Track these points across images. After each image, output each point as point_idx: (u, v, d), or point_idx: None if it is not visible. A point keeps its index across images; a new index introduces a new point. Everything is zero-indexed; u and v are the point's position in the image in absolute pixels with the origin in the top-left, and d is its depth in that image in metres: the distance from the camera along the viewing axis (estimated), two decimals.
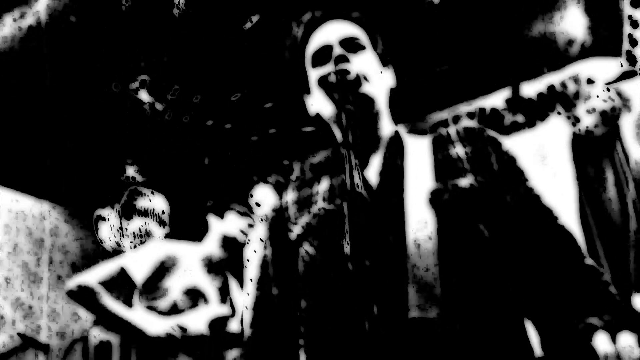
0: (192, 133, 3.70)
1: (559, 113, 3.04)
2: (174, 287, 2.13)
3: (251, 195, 4.06)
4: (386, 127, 1.17)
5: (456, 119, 3.46)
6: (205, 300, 2.18)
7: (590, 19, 2.95)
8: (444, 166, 1.05)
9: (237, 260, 3.82)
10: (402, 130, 1.21)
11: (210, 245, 2.29)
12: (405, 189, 1.03)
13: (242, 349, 1.15)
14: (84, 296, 2.03)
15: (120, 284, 2.11)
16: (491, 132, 1.12)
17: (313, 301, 1.06)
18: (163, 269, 2.14)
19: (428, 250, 0.94)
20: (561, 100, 3.04)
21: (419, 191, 1.02)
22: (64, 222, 4.55)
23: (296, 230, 1.12)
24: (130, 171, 3.80)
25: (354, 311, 0.91)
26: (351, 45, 1.14)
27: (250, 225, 2.33)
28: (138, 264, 2.12)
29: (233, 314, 2.23)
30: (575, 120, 2.91)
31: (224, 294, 2.31)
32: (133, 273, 2.10)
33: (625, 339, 0.79)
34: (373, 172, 1.09)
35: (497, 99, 3.32)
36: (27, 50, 2.72)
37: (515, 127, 3.21)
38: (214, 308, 2.16)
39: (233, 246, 2.31)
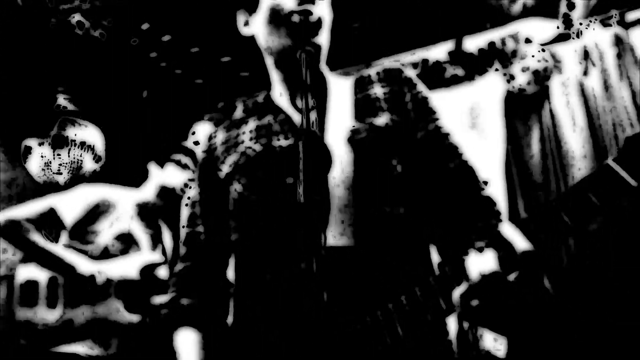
0: (130, 63, 3.53)
1: (496, 69, 3.15)
2: (106, 232, 2.12)
3: (192, 134, 3.99)
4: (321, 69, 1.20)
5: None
6: (137, 247, 2.19)
7: None
8: (363, 105, 1.11)
9: (172, 210, 3.81)
10: (327, 71, 1.24)
11: (147, 193, 2.27)
12: (326, 127, 1.08)
13: (172, 283, 1.18)
14: (11, 232, 1.97)
15: (49, 223, 2.05)
16: (409, 73, 1.18)
17: (243, 235, 1.10)
18: (96, 213, 2.10)
19: (346, 184, 1.01)
20: (499, 57, 3.15)
21: (339, 129, 1.07)
22: None
23: (225, 169, 1.15)
24: (62, 100, 3.61)
25: (291, 241, 0.97)
26: None
27: (190, 180, 2.33)
28: (70, 205, 2.07)
29: (164, 262, 2.25)
30: (510, 78, 3.03)
31: (156, 242, 2.31)
32: (63, 213, 2.04)
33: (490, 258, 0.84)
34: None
35: (440, 51, 3.38)
36: None
37: (455, 80, 3.30)
38: (145, 255, 2.17)
39: (170, 197, 2.31)
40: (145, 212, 2.27)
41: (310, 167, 0.87)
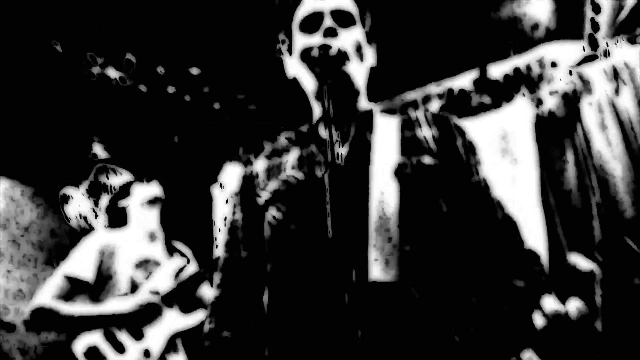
0: (162, 110, 3.65)
1: (523, 95, 3.13)
2: (124, 267, 2.15)
3: (221, 174, 4.05)
4: (363, 104, 1.23)
5: (426, 100, 3.51)
6: (157, 265, 2.22)
7: (555, 3, 3.03)
8: (410, 144, 1.12)
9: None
10: (375, 108, 1.26)
11: (137, 217, 2.41)
12: (372, 161, 1.09)
13: (210, 309, 1.19)
14: (45, 319, 1.97)
15: (74, 291, 2.08)
16: (456, 120, 1.20)
17: (278, 264, 1.11)
18: (105, 256, 2.14)
19: (389, 219, 1.00)
20: (526, 82, 3.13)
21: (385, 164, 1.08)
22: (28, 200, 4.44)
23: (264, 196, 1.16)
24: (97, 148, 3.73)
25: (322, 274, 0.97)
26: (342, 18, 1.17)
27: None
28: (79, 264, 2.11)
29: (188, 262, 2.33)
30: (539, 102, 3.00)
31: (170, 251, 2.37)
32: (79, 274, 2.08)
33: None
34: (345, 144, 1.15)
35: (464, 80, 3.38)
36: None
37: (481, 108, 3.28)
38: (168, 264, 2.22)
39: (156, 203, 2.38)
40: (148, 234, 2.32)
41: (337, 200, 0.87)
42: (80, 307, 2.03)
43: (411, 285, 0.96)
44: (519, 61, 3.20)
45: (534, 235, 2.92)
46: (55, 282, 2.07)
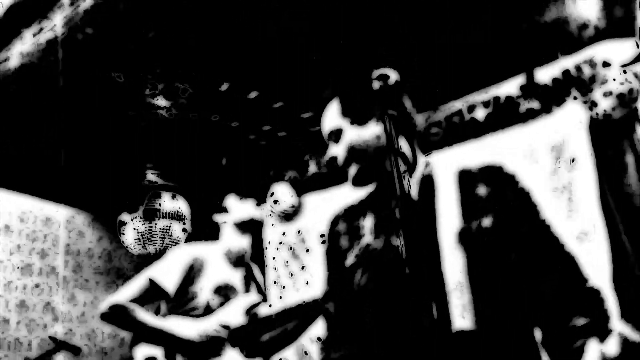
0: (209, 135, 3.75)
1: (575, 98, 3.02)
2: (205, 288, 2.16)
3: (271, 195, 4.11)
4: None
5: (471, 109, 3.45)
6: (234, 293, 2.21)
7: (603, 0, 2.92)
8: (469, 205, 1.19)
9: (255, 245, 3.88)
10: (431, 160, 1.33)
11: (229, 237, 2.30)
12: (437, 225, 1.18)
13: (326, 328, 1.32)
14: (118, 316, 2.03)
15: (152, 296, 2.12)
16: (509, 169, 1.27)
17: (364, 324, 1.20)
18: (191, 273, 2.16)
19: (460, 280, 1.11)
20: (577, 84, 3.02)
21: (448, 228, 1.16)
22: (88, 227, 4.65)
23: (349, 260, 1.27)
24: (151, 175, 3.87)
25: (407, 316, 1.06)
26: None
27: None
28: (166, 273, 2.14)
29: (263, 299, 2.26)
30: (592, 105, 2.88)
31: (249, 282, 2.33)
32: (163, 282, 2.10)
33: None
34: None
35: (511, 87, 3.30)
36: (47, 63, 2.78)
37: (531, 114, 3.19)
38: (244, 298, 2.18)
39: (249, 229, 2.31)
40: (231, 256, 2.29)
41: (410, 232, 0.89)
42: (154, 318, 2.05)
43: (483, 333, 1.04)
44: (568, 63, 3.09)
45: (597, 243, 2.79)
46: (139, 282, 2.10)
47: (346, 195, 1.39)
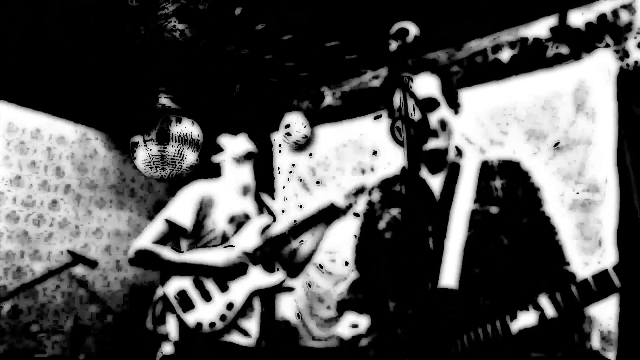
0: (222, 61, 3.66)
1: (607, 45, 2.87)
2: (218, 219, 2.24)
3: (285, 126, 4.08)
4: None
5: (496, 49, 3.30)
6: (248, 219, 2.31)
7: None
8: (484, 193, 1.35)
9: (263, 174, 3.94)
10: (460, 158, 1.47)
11: (230, 172, 2.39)
12: (455, 205, 1.34)
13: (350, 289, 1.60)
14: (146, 260, 2.15)
15: (172, 234, 2.21)
16: (526, 166, 1.39)
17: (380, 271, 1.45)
18: (202, 207, 2.23)
19: (460, 248, 1.29)
20: (611, 31, 2.86)
21: (462, 209, 1.33)
22: (103, 147, 4.70)
23: (381, 225, 1.46)
24: (164, 99, 3.83)
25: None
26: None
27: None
28: (179, 211, 2.20)
29: (274, 220, 2.39)
30: (624, 54, 2.75)
31: (261, 209, 2.44)
32: (179, 220, 2.19)
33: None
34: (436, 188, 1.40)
35: (541, 28, 3.13)
36: None
37: (558, 59, 3.05)
38: (256, 221, 2.30)
39: (248, 161, 2.41)
40: (245, 189, 2.40)
41: (414, 202, 1.01)
42: (177, 254, 2.17)
43: (469, 294, 1.24)
44: (605, 6, 2.91)
45: (607, 196, 2.78)
46: (156, 225, 2.21)
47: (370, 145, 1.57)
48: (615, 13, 2.85)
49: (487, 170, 1.39)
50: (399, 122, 1.12)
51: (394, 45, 1.13)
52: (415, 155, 1.08)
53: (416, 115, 1.15)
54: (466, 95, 3.57)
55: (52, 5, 2.97)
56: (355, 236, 1.62)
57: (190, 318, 2.10)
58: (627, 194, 2.72)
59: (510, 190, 1.34)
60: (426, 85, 1.36)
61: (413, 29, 1.19)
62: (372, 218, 1.54)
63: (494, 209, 1.31)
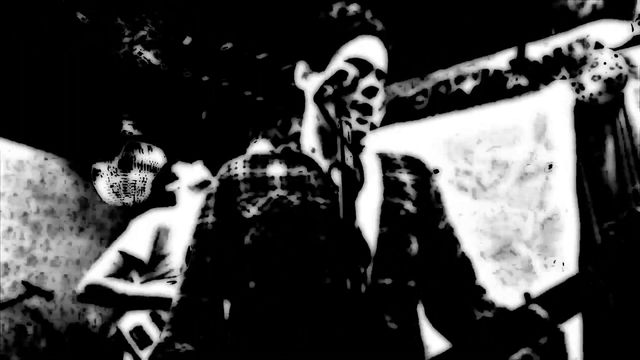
0: (189, 88, 3.63)
1: (563, 77, 2.97)
2: (175, 251, 2.18)
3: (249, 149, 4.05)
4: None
5: (459, 80, 3.38)
6: None
7: None
8: (392, 186, 1.20)
9: None
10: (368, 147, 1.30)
11: (186, 201, 2.33)
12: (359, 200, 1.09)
13: (169, 319, 1.14)
14: (98, 295, 2.03)
15: (127, 267, 2.12)
16: (428, 164, 1.30)
17: (262, 283, 1.08)
18: (159, 239, 2.16)
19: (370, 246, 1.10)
20: (567, 64, 2.96)
21: (368, 203, 1.14)
22: (62, 173, 4.56)
23: (252, 211, 1.12)
24: (127, 126, 3.77)
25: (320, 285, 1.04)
26: (380, 75, 1.20)
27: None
28: (134, 243, 2.13)
29: None
30: (580, 87, 2.84)
31: None
32: (133, 251, 2.11)
33: None
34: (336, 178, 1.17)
35: (501, 60, 3.23)
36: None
37: (518, 90, 3.14)
38: None
39: (204, 189, 2.35)
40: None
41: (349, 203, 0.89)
42: (132, 287, 2.07)
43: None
44: (561, 41, 3.02)
45: (568, 224, 2.84)
46: (110, 257, 2.10)
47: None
48: (570, 47, 2.96)
49: (389, 163, 1.26)
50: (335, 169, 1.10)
51: (329, 90, 1.11)
52: (350, 204, 0.93)
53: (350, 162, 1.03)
54: (431, 125, 3.65)
55: (10, 28, 2.91)
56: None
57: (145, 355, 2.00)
58: (587, 223, 2.78)
59: (421, 188, 1.23)
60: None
61: (352, 71, 1.14)
62: (232, 199, 1.18)
63: (407, 205, 1.18)
